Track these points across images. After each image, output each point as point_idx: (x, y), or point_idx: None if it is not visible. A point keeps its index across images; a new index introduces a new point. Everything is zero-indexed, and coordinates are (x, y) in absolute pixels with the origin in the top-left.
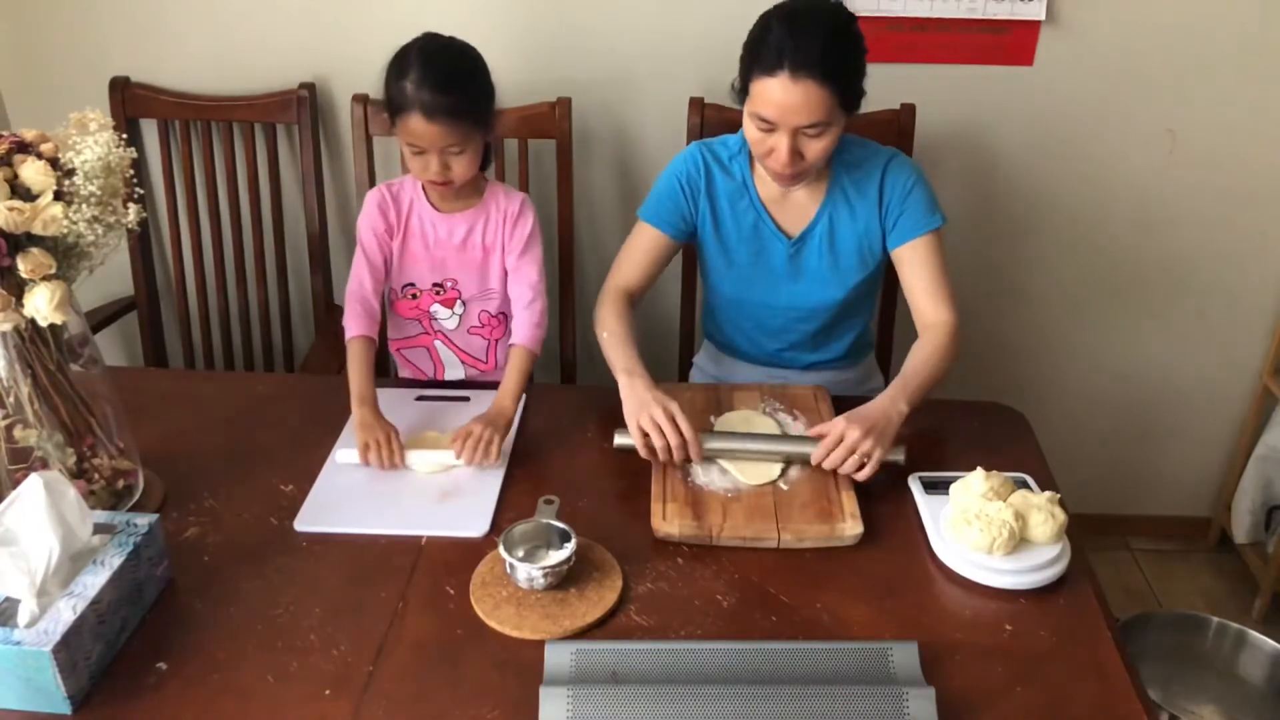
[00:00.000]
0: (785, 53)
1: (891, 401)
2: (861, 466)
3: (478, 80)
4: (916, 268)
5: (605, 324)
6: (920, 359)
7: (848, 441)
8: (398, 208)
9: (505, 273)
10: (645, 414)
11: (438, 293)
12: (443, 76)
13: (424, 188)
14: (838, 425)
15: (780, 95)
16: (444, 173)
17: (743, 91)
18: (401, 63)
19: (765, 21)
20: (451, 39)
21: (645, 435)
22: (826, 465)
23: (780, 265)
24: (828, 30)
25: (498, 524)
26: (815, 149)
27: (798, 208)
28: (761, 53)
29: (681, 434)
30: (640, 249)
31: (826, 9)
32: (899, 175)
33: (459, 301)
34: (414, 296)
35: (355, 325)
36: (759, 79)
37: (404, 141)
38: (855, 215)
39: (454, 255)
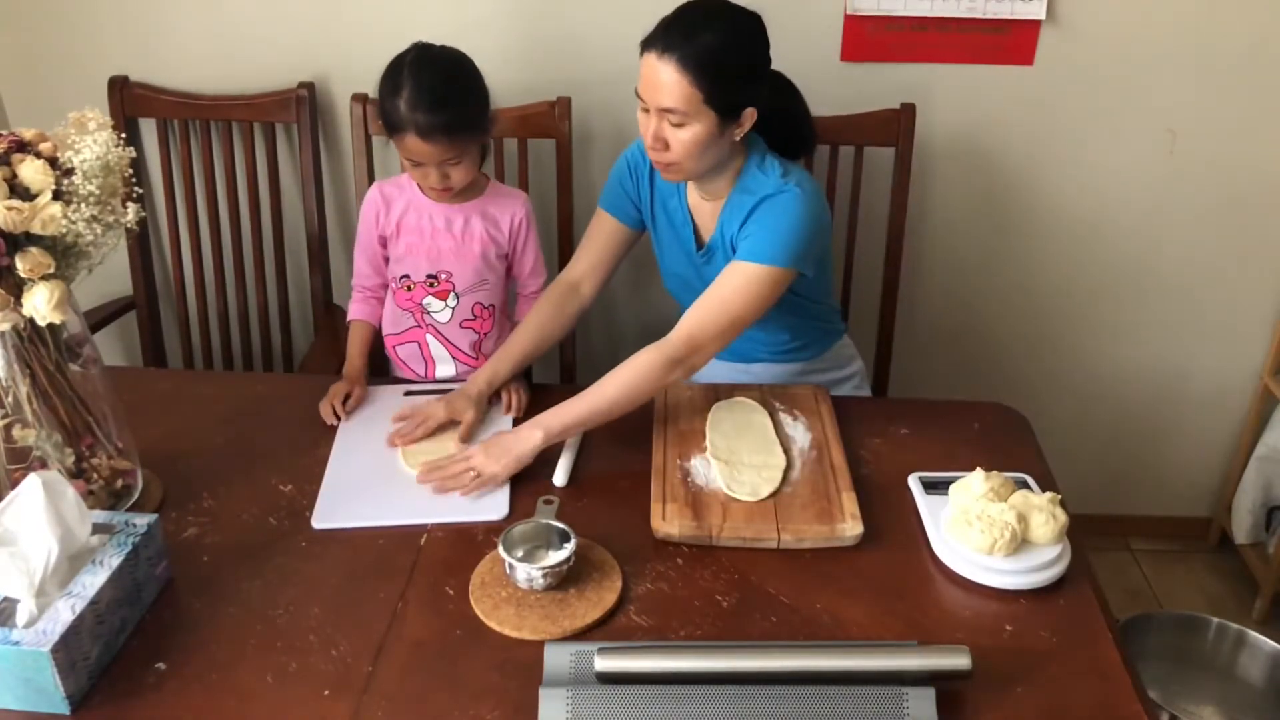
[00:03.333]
0: (662, 32)
1: (530, 430)
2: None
3: (472, 92)
4: (716, 281)
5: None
6: (613, 384)
7: (472, 461)
8: (389, 209)
9: (501, 266)
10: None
11: (431, 284)
12: (436, 95)
13: (420, 186)
14: (465, 454)
15: (647, 71)
16: (443, 181)
17: None
18: (394, 79)
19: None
20: (443, 49)
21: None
22: (436, 480)
23: (693, 272)
24: (710, 24)
25: (514, 506)
26: (678, 140)
27: (707, 219)
28: (650, 32)
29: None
30: (592, 235)
31: (726, 10)
32: (772, 207)
33: (452, 294)
34: (409, 289)
35: (352, 310)
36: (642, 56)
37: (401, 155)
38: (736, 239)
39: (451, 245)
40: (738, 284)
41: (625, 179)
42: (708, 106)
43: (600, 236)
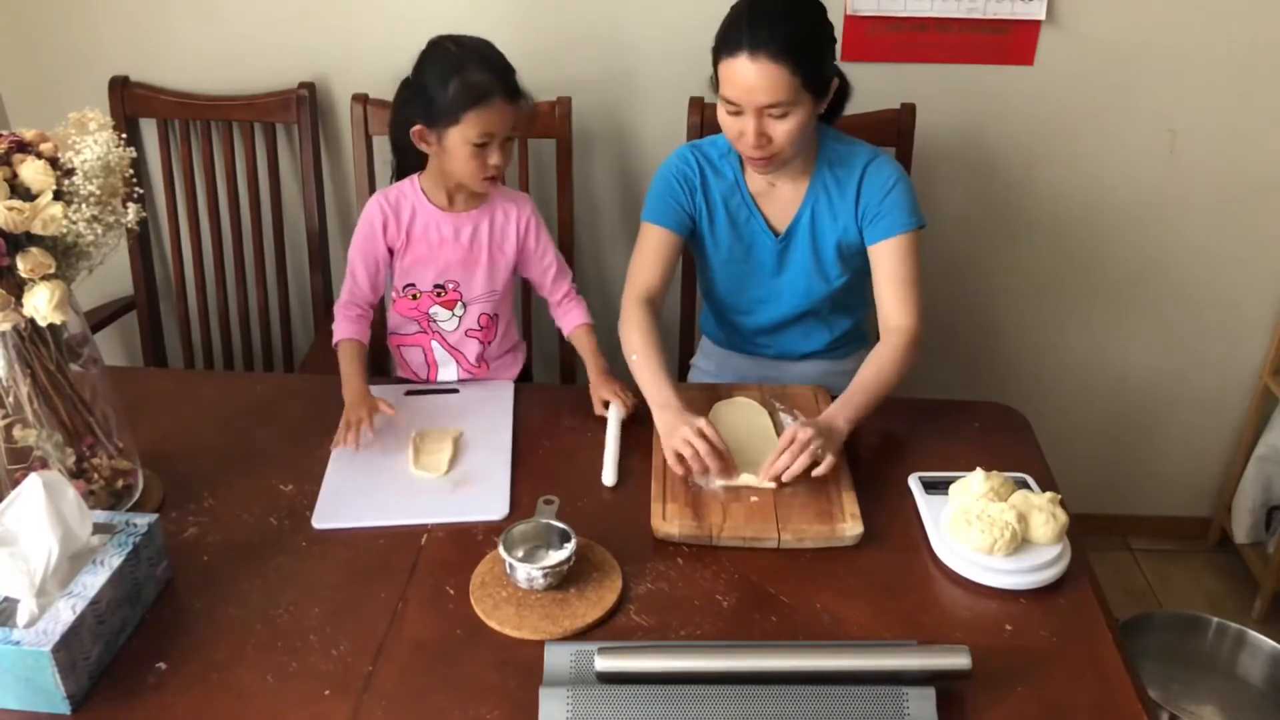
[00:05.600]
0: (744, 33)
1: (831, 417)
2: (815, 464)
3: None
4: (888, 267)
5: (631, 343)
6: (871, 373)
7: (800, 438)
8: (398, 219)
9: (508, 275)
10: (677, 437)
11: (438, 294)
12: (503, 61)
13: (424, 191)
14: (789, 431)
15: (741, 75)
16: (506, 159)
17: (715, 81)
18: (446, 60)
19: (734, 9)
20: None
21: (681, 458)
22: (780, 467)
23: (769, 260)
24: (786, 11)
25: (515, 504)
26: (781, 131)
27: (783, 202)
28: (726, 36)
29: (712, 443)
30: (650, 250)
31: None
32: (879, 175)
33: (459, 303)
34: (414, 297)
35: (341, 330)
36: (723, 62)
37: (470, 140)
38: (835, 213)
39: (459, 256)
40: (910, 255)
41: (677, 191)
42: (806, 91)
43: (661, 250)
